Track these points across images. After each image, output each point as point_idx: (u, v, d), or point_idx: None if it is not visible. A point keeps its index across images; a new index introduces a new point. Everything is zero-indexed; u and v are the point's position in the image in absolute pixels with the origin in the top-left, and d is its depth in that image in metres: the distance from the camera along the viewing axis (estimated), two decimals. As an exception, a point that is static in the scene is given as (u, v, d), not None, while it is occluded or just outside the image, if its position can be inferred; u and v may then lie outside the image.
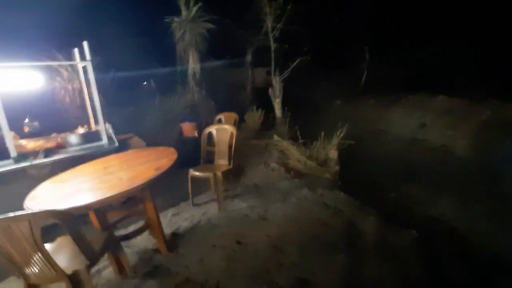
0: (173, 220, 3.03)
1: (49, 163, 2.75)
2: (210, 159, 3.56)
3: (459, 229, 3.74)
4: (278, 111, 6.32)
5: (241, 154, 4.80)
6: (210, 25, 6.11)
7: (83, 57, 3.17)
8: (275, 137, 4.91)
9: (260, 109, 6.63)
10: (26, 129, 3.28)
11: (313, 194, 3.45)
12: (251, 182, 3.90)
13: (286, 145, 4.61)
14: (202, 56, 6.39)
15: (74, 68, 4.20)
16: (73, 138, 3.05)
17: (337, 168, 4.33)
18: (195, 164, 3.42)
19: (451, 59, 8.42)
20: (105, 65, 4.94)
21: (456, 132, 6.21)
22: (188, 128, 4.97)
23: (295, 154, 4.41)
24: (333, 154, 4.34)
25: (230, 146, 3.38)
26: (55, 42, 3.91)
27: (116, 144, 3.17)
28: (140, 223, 2.74)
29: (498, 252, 3.27)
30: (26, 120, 3.31)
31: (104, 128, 3.20)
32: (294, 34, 7.67)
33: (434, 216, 4.07)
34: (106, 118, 3.59)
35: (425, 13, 10.23)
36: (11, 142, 2.69)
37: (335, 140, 4.52)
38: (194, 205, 3.32)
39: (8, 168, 2.60)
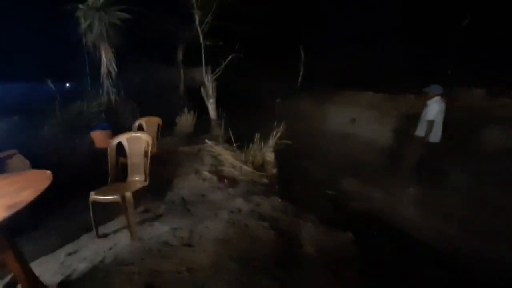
0: (66, 262, 2.31)
1: None
2: (125, 175, 2.90)
3: (391, 219, 3.84)
4: (212, 113, 5.83)
5: (169, 164, 4.18)
6: (124, 15, 5.24)
7: None
8: (207, 141, 4.43)
9: (193, 111, 6.04)
10: None
11: (248, 204, 3.09)
12: (178, 197, 3.35)
13: (220, 150, 4.18)
14: (119, 52, 5.47)
15: None
16: None
17: (274, 171, 4.09)
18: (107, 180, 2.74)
19: (383, 58, 9.02)
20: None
21: (380, 126, 6.66)
22: (100, 137, 4.12)
23: (230, 159, 4.01)
24: (270, 156, 4.08)
25: (146, 158, 2.78)
26: None
27: None
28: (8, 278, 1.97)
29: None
30: None
31: None
32: (227, 30, 7.27)
33: (368, 211, 4.13)
34: None
35: (359, 13, 10.80)
36: None
37: (272, 142, 4.27)
38: (100, 236, 2.62)
39: None
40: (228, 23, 7.10)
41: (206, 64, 5.95)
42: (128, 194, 2.43)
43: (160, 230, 2.61)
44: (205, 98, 5.84)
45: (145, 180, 2.76)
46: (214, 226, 2.61)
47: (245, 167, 3.89)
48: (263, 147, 4.23)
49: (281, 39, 12.58)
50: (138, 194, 2.59)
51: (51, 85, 4.93)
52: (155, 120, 3.96)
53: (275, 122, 4.71)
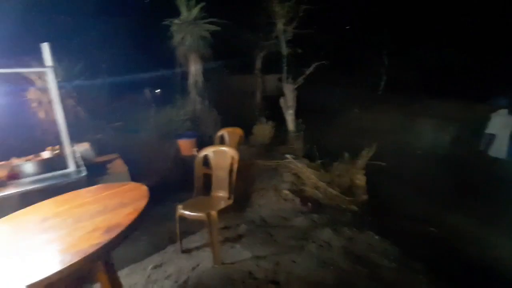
0: (153, 276, 2.29)
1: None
2: (209, 183, 2.82)
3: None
4: (290, 124, 5.55)
5: (246, 177, 4.05)
6: (214, 27, 5.47)
7: (57, 63, 2.54)
8: (288, 156, 4.14)
9: (270, 121, 5.88)
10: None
11: (338, 237, 2.64)
12: (257, 216, 3.13)
13: (301, 167, 3.83)
14: (205, 62, 5.73)
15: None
16: (27, 167, 2.39)
17: (365, 197, 3.51)
18: (191, 188, 2.72)
19: (478, 62, 7.48)
20: (91, 72, 4.35)
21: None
22: (186, 146, 4.28)
23: (313, 179, 3.62)
24: (361, 180, 3.53)
25: (231, 174, 2.64)
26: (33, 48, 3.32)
27: (83, 174, 2.48)
28: None
29: None
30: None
31: (70, 152, 2.52)
32: (307, 38, 6.94)
33: (493, 263, 3.17)
34: (90, 136, 2.95)
35: (447, 14, 9.35)
36: None
37: (362, 161, 3.70)
38: (184, 251, 2.57)
39: None
40: (310, 31, 6.76)
41: (287, 73, 5.73)
42: (214, 214, 2.30)
43: (243, 256, 2.40)
44: (284, 109, 5.61)
45: (229, 197, 2.61)
46: (302, 262, 2.26)
47: (330, 189, 3.45)
48: (351, 167, 3.70)
49: (359, 44, 11.62)
50: (222, 212, 2.44)
51: (148, 94, 5.46)
52: (237, 132, 3.88)
53: (359, 135, 4.12)
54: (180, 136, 4.40)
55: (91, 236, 1.31)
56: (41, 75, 3.50)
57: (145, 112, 5.07)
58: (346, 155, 3.79)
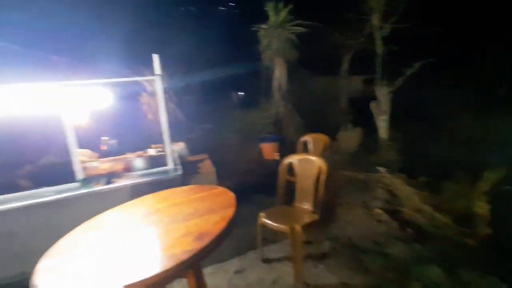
0: (234, 281, 2.29)
1: (108, 190, 2.45)
2: (291, 191, 2.68)
3: None
4: (383, 131, 4.90)
5: (330, 187, 3.73)
6: (300, 29, 5.32)
7: (163, 71, 2.87)
8: (381, 169, 3.62)
9: (357, 127, 5.34)
10: (104, 148, 3.22)
11: (451, 279, 2.09)
12: (343, 234, 2.80)
13: (398, 183, 3.27)
14: (290, 65, 5.65)
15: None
16: (138, 162, 2.74)
17: (487, 230, 2.73)
18: (271, 192, 2.65)
19: None
20: (187, 78, 4.83)
21: None
22: (268, 149, 4.27)
23: (414, 199, 3.03)
24: (482, 208, 2.77)
25: (316, 186, 2.43)
26: (139, 57, 3.94)
27: (179, 172, 2.69)
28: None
29: None
30: (105, 138, 3.26)
31: (169, 151, 2.78)
32: (406, 34, 6.04)
33: None
34: (184, 136, 3.23)
35: None
36: (78, 163, 2.52)
37: (485, 184, 2.91)
38: (264, 260, 2.49)
39: (70, 193, 2.42)
40: (407, 25, 5.85)
41: (382, 74, 5.09)
42: (298, 229, 2.13)
43: (328, 279, 2.15)
44: (375, 114, 4.99)
45: (314, 211, 2.40)
46: (403, 304, 1.86)
47: (438, 215, 2.81)
48: (468, 190, 2.94)
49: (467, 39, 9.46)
50: (306, 227, 2.25)
51: (234, 97, 5.74)
52: (323, 138, 3.61)
53: (473, 150, 3.24)
54: (263, 139, 4.43)
55: (183, 241, 1.33)
56: (150, 82, 4.10)
57: (231, 115, 5.35)
58: (461, 173, 3.03)
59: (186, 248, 1.26)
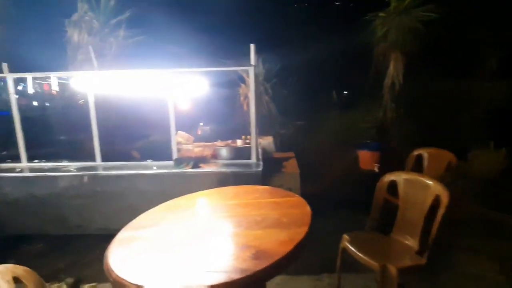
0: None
1: (193, 173, 2.55)
2: (390, 215, 2.12)
3: None
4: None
5: (448, 223, 2.82)
6: (431, 15, 4.24)
7: (262, 63, 2.79)
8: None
9: (500, 148, 3.91)
10: (199, 132, 3.43)
11: None
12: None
13: None
14: (409, 61, 4.64)
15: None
16: (223, 150, 2.76)
17: None
18: (361, 210, 2.18)
19: None
20: (285, 72, 4.64)
21: None
22: (366, 158, 3.65)
23: None
24: None
25: (428, 218, 1.81)
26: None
27: (260, 168, 2.54)
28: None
29: None
30: (201, 124, 3.47)
31: (254, 144, 2.67)
32: None
33: None
34: (274, 130, 3.11)
35: None
36: (174, 144, 2.73)
37: None
38: (339, 292, 2.07)
39: (165, 170, 2.64)
40: None
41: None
42: (393, 271, 1.61)
43: None
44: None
45: (420, 251, 1.79)
46: None
47: None
48: None
49: None
50: (404, 272, 1.69)
51: (334, 96, 5.23)
52: (445, 156, 2.75)
53: None
54: (362, 146, 3.82)
55: (239, 254, 1.12)
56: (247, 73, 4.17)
57: (328, 114, 4.88)
58: None
59: (239, 265, 1.05)
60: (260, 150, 2.86)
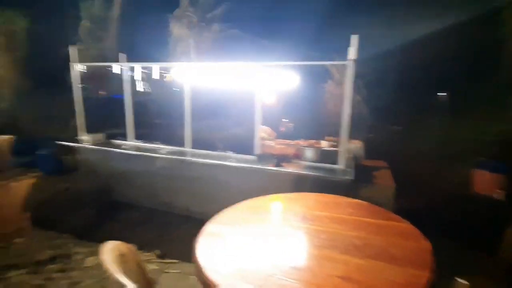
0: None
1: (276, 172, 2.44)
2: None
3: None
4: None
5: None
6: None
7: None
8: None
9: None
10: (283, 129, 3.30)
11: None
12: None
13: None
14: None
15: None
16: (308, 152, 2.55)
17: None
18: (475, 245, 1.70)
19: None
20: (383, 70, 4.03)
21: None
22: (484, 180, 2.87)
23: None
24: None
25: None
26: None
27: (349, 176, 2.24)
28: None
29: None
30: (285, 120, 3.33)
31: (344, 149, 2.38)
32: None
33: None
34: (363, 134, 2.78)
35: None
36: (257, 139, 2.67)
37: None
38: None
39: (246, 165, 2.61)
40: None
41: None
42: None
43: None
44: None
45: None
46: None
47: None
48: None
49: None
50: None
51: (443, 98, 4.33)
52: None
53: None
54: (478, 164, 3.03)
55: (336, 285, 0.92)
56: (339, 69, 3.78)
57: (432, 120, 4.06)
58: None
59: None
60: (350, 155, 2.55)
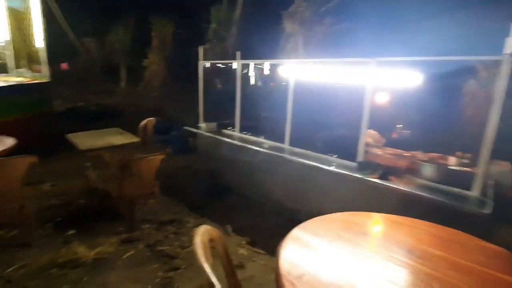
0: None
1: (380, 186, 2.14)
2: None
3: None
4: None
5: None
6: None
7: None
8: None
9: None
10: (394, 136, 2.85)
11: None
12: None
13: None
14: None
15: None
16: (427, 168, 2.11)
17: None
18: None
19: None
20: None
21: None
22: None
23: None
24: None
25: None
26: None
27: (488, 210, 1.71)
28: None
29: None
30: (399, 126, 2.85)
31: (483, 171, 1.83)
32: None
33: None
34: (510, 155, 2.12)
35: None
36: (362, 144, 2.41)
37: None
38: None
39: (346, 171, 2.41)
40: None
41: None
42: None
43: None
44: None
45: None
46: None
47: None
48: None
49: None
50: None
51: None
52: None
53: None
54: None
55: None
56: (487, 66, 2.85)
57: None
58: None
59: None
60: (490, 181, 1.94)
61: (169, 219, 2.94)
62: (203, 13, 7.08)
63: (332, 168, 2.48)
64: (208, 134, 3.88)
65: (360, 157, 2.42)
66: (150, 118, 3.86)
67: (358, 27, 5.49)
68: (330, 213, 1.49)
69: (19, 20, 6.81)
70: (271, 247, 2.58)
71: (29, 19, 5.99)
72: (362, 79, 2.45)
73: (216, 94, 5.62)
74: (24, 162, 2.19)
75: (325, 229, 1.37)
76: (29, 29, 6.26)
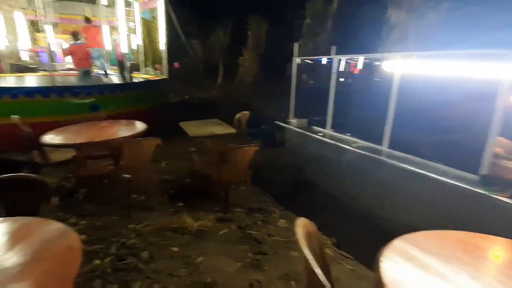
0: None
1: (508, 206, 1.74)
2: None
3: None
4: None
5: None
6: None
7: None
8: None
9: None
10: (538, 146, 2.22)
11: None
12: None
13: None
14: None
15: None
16: None
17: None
18: None
19: None
20: None
21: None
22: None
23: None
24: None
25: None
26: None
27: None
28: None
29: None
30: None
31: None
32: None
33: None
34: None
35: None
36: (489, 154, 2.00)
37: None
38: None
39: (464, 185, 2.05)
40: None
41: None
42: None
43: None
44: None
45: None
46: None
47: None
48: None
49: None
50: None
51: None
52: None
53: None
54: None
55: None
56: None
57: None
58: None
59: None
60: None
61: (257, 207, 3.15)
62: (297, 9, 7.11)
63: (442, 178, 2.16)
64: (297, 129, 3.93)
65: (485, 169, 2.02)
66: (244, 112, 4.18)
67: (485, 11, 4.49)
68: (432, 229, 1.32)
69: (148, 27, 8.41)
70: (359, 253, 2.47)
71: (156, 26, 7.33)
72: (491, 75, 2.02)
73: (306, 90, 5.61)
74: (154, 142, 2.75)
75: (436, 246, 1.22)
76: (155, 35, 7.67)
